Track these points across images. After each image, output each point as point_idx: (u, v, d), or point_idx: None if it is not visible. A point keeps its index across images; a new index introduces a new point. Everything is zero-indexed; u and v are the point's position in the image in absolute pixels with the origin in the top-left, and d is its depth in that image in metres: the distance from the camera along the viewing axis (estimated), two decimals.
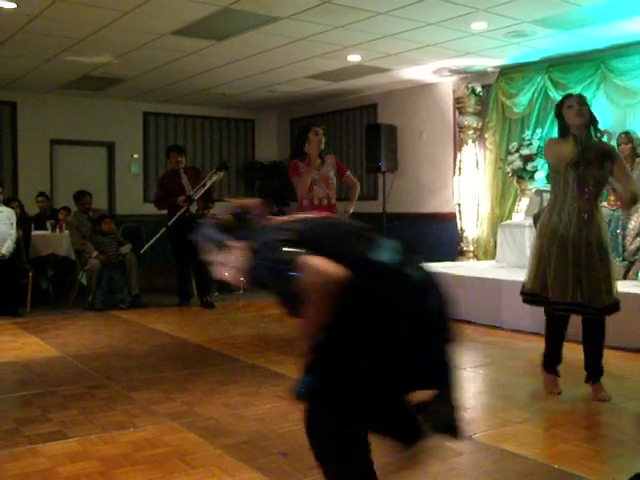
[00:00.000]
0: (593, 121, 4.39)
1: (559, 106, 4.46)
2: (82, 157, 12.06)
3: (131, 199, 12.34)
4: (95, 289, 8.14)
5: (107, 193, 12.31)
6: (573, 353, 4.56)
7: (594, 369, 4.35)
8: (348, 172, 6.55)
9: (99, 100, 11.96)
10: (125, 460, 3.23)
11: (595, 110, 8.45)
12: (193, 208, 8.14)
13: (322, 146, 6.06)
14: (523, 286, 4.50)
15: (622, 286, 5.99)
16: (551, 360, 4.45)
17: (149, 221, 10.60)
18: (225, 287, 9.65)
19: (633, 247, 6.74)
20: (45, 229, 9.27)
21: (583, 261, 4.21)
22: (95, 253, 8.22)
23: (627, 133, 7.20)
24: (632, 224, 6.75)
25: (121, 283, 8.24)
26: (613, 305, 4.28)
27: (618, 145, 7.22)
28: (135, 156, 12.47)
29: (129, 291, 8.29)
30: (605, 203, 7.12)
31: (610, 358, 4.52)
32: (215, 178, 8.22)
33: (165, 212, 8.44)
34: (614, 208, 6.93)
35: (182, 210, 8.03)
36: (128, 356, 5.64)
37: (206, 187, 8.15)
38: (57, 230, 9.20)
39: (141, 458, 3.25)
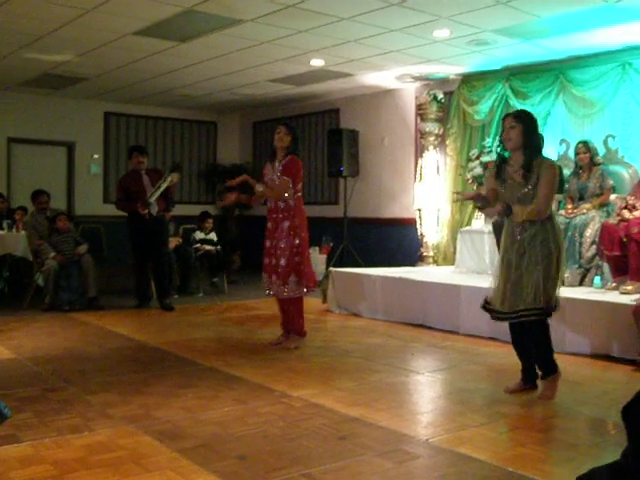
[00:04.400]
0: (528, 144, 4.37)
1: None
2: (41, 156, 11.90)
3: (91, 200, 12.20)
4: (53, 290, 8.02)
5: (66, 193, 12.16)
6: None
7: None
8: (285, 178, 5.79)
9: (59, 99, 11.81)
10: (79, 464, 3.18)
11: (554, 119, 8.71)
12: (154, 210, 8.06)
13: (284, 144, 5.86)
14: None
15: (577, 293, 6.12)
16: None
17: (109, 222, 10.49)
18: (185, 289, 9.59)
19: (589, 254, 6.85)
20: (1, 229, 9.10)
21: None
22: (52, 254, 8.09)
23: (585, 143, 7.31)
24: (589, 232, 6.86)
25: (77, 283, 8.13)
26: None
27: (576, 154, 7.34)
28: (95, 156, 12.34)
29: (85, 293, 8.17)
30: (562, 211, 7.24)
31: (565, 364, 4.59)
32: (169, 180, 8.14)
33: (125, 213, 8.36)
34: (571, 215, 7.04)
35: (146, 212, 7.96)
36: (85, 358, 5.55)
37: (161, 189, 8.07)
38: (14, 230, 9.04)
39: (96, 462, 3.21)
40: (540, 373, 4.51)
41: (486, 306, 4.59)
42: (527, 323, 4.38)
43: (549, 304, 4.33)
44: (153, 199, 8.03)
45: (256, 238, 6.21)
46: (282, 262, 5.82)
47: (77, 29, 7.55)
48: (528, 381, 4.58)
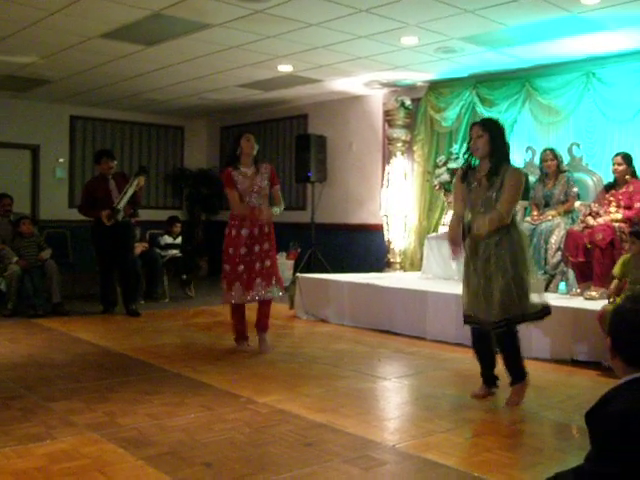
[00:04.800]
0: (495, 152, 4.41)
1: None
2: (4, 159, 11.69)
3: (55, 204, 12.03)
4: (16, 296, 7.89)
5: (30, 197, 11.97)
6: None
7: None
8: (277, 186, 6.22)
9: (24, 101, 11.63)
10: (40, 473, 3.11)
11: (520, 127, 8.80)
12: (119, 215, 7.97)
13: (254, 152, 6.04)
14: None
15: None
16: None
17: (74, 227, 10.36)
18: (151, 295, 9.50)
19: (554, 261, 6.93)
20: None
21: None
22: (15, 259, 7.97)
23: (552, 150, 7.42)
24: (554, 238, 6.94)
25: (41, 289, 8.01)
26: None
27: (544, 161, 7.42)
28: (61, 160, 12.18)
29: (49, 298, 8.05)
30: (528, 218, 7.31)
31: (531, 369, 4.62)
32: (136, 184, 8.06)
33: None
34: (537, 222, 7.12)
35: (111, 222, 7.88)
36: (48, 365, 5.46)
37: (128, 195, 7.99)
38: None
39: (57, 471, 3.15)
40: (509, 379, 4.52)
41: (469, 320, 4.57)
42: (499, 333, 4.40)
43: (527, 309, 4.38)
44: (121, 205, 7.94)
45: (222, 244, 6.16)
46: (267, 263, 6.00)
47: (43, 31, 7.45)
48: (491, 384, 4.61)
